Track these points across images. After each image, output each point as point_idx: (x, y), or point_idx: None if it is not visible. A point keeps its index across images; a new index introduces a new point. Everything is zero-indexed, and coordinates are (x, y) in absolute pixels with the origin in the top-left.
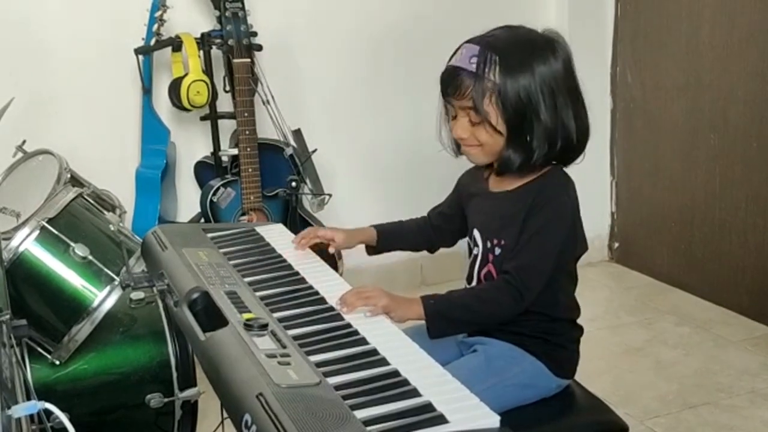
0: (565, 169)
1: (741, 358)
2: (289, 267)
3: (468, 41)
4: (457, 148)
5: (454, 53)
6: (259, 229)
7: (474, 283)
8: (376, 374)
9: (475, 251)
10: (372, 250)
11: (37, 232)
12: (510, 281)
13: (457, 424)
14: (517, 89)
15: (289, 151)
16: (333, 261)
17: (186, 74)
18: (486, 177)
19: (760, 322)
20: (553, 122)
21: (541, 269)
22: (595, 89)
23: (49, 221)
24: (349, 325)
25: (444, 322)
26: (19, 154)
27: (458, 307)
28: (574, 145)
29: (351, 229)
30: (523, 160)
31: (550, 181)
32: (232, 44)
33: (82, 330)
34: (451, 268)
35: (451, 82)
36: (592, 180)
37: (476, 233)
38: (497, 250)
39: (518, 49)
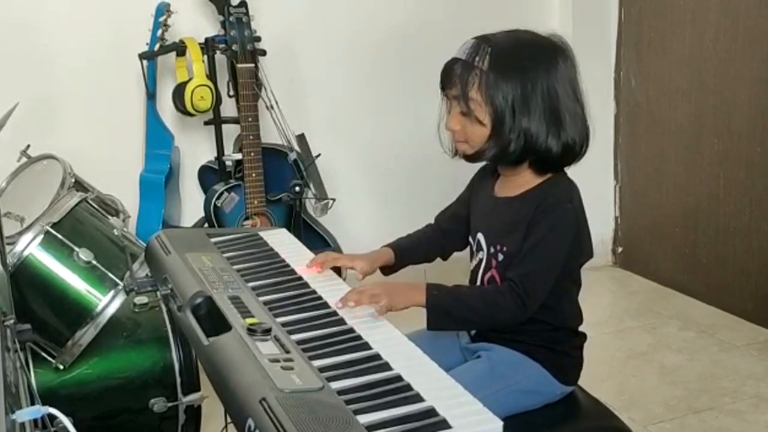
0: (568, 171)
1: (745, 362)
2: (293, 272)
3: (472, 38)
4: (455, 148)
5: None
6: (262, 234)
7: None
8: (379, 379)
9: (480, 255)
10: (388, 270)
11: (41, 237)
12: (513, 288)
13: (460, 429)
14: (505, 83)
15: (292, 155)
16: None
17: (190, 79)
18: (493, 181)
19: (765, 326)
20: (536, 128)
21: (545, 278)
22: (598, 93)
23: (53, 226)
24: (352, 330)
25: (444, 316)
26: (24, 159)
27: (461, 305)
28: (560, 153)
29: (370, 254)
30: (495, 153)
31: (553, 188)
32: (236, 49)
33: (86, 334)
34: (454, 273)
35: (446, 72)
36: (596, 184)
37: (480, 237)
38: (500, 256)
39: (515, 48)
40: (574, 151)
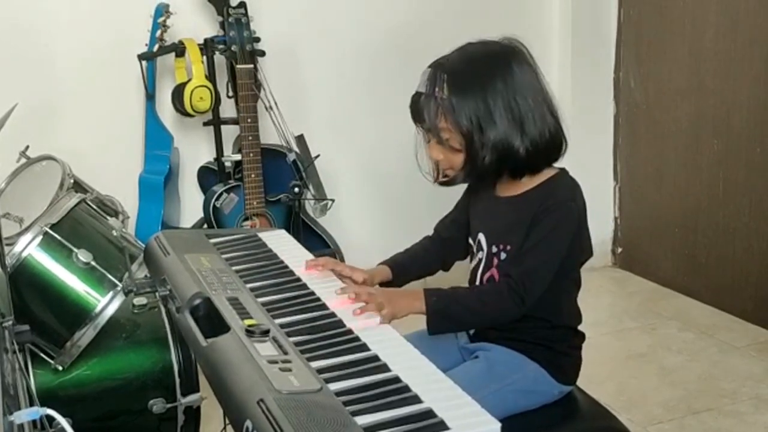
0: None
1: (745, 363)
2: (291, 273)
3: (428, 66)
4: (436, 173)
5: None
6: (261, 235)
7: None
8: (377, 380)
9: (479, 255)
10: (387, 285)
11: (40, 238)
12: (512, 285)
13: (458, 431)
14: (467, 105)
15: (291, 156)
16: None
17: (189, 80)
18: (493, 181)
19: (764, 327)
20: (503, 136)
21: (544, 275)
22: (598, 94)
23: (52, 227)
24: (350, 332)
25: (444, 320)
26: (23, 160)
27: (460, 307)
28: (526, 155)
29: (370, 270)
30: (472, 174)
31: (556, 186)
32: (235, 50)
33: (85, 335)
34: (455, 275)
35: (413, 107)
36: (596, 185)
37: (481, 237)
38: (503, 255)
39: (468, 66)
40: (539, 148)
